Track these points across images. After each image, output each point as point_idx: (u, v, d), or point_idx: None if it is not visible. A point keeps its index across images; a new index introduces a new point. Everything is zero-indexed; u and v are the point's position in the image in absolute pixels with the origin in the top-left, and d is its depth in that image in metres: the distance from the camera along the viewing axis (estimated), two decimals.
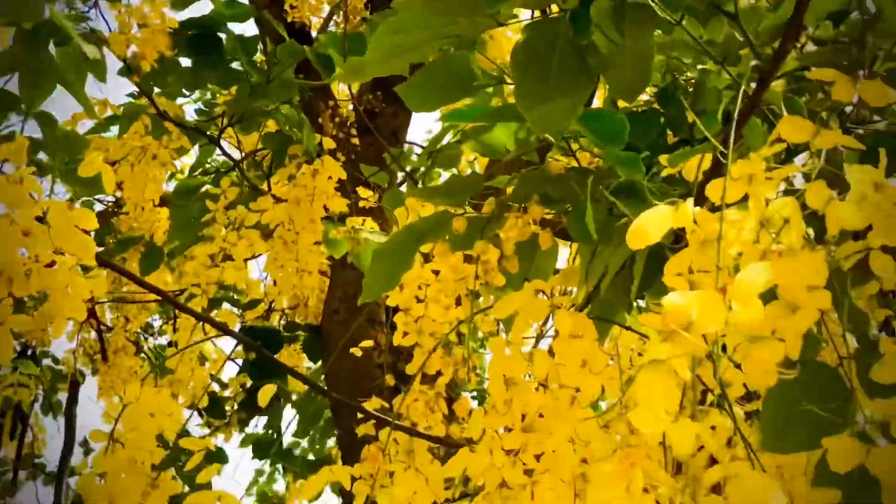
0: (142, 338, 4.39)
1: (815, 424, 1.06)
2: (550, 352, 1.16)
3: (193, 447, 1.50)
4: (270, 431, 3.96)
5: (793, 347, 0.90)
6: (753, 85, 1.27)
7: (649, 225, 0.82)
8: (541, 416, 1.17)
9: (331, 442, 4.26)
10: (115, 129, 2.90)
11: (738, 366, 1.44)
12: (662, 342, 0.79)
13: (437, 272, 1.88)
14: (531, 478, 1.19)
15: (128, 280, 3.74)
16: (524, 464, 1.21)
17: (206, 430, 3.46)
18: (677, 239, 1.19)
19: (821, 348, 1.09)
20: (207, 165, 3.47)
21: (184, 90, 2.86)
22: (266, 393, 1.58)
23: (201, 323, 2.92)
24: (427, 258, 1.89)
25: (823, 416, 1.04)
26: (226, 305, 3.69)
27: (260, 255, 2.49)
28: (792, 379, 1.06)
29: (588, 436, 1.08)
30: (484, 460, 1.20)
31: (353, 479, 1.58)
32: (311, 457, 4.29)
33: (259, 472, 4.75)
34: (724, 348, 0.90)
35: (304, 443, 4.29)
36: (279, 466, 4.48)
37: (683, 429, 0.80)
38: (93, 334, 4.05)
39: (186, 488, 1.54)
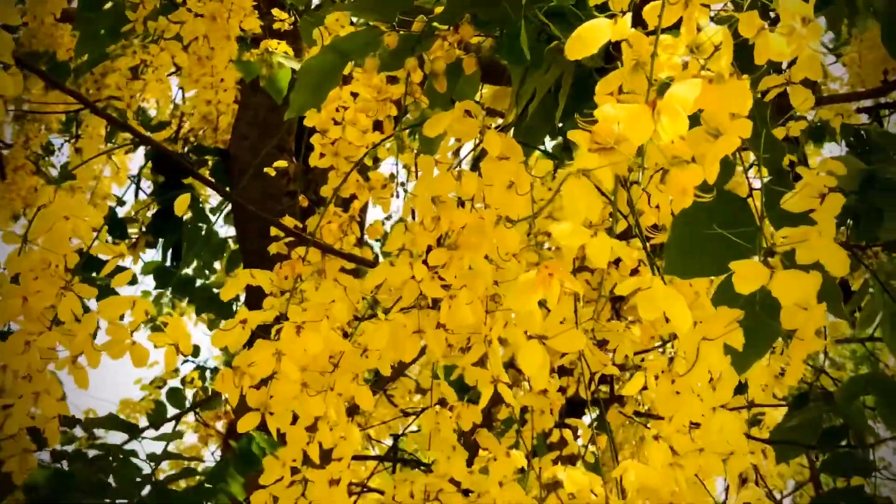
0: (42, 158, 4.28)
1: (718, 251, 1.12)
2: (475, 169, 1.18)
3: (108, 253, 1.50)
4: (174, 263, 3.94)
5: (711, 173, 0.94)
6: None
7: (588, 36, 0.83)
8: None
9: None
10: None
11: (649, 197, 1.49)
12: (589, 153, 0.82)
13: (355, 95, 1.88)
14: (449, 292, 1.23)
15: (28, 97, 3.63)
16: (442, 279, 1.25)
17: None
18: (603, 69, 1.22)
19: (734, 176, 1.13)
20: None
21: None
22: (182, 202, 1.57)
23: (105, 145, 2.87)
24: (346, 80, 1.88)
25: (727, 244, 1.09)
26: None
27: (181, 68, 2.43)
28: (701, 206, 1.11)
29: (510, 248, 1.11)
30: (404, 273, 1.23)
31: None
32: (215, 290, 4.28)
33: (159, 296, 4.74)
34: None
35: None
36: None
37: (602, 243, 0.83)
38: None
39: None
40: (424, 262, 1.26)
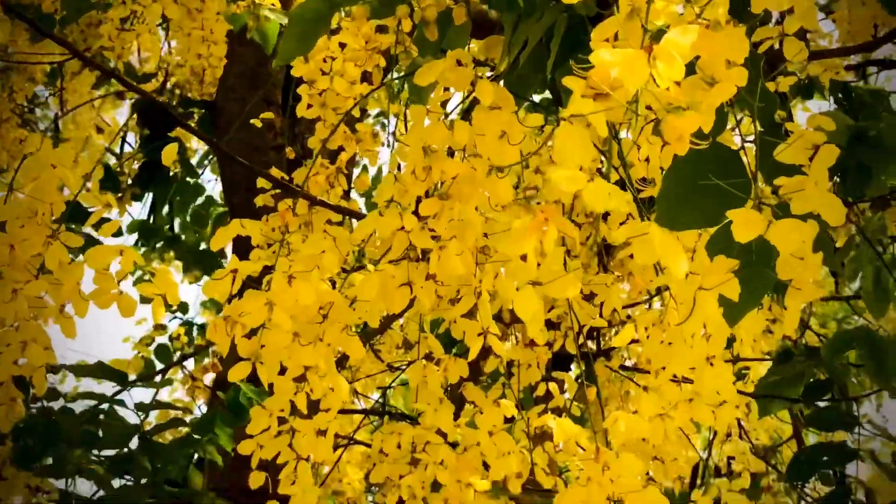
0: (27, 110, 4.24)
1: (711, 203, 1.11)
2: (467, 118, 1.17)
3: (94, 203, 1.48)
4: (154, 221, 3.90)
5: (706, 121, 0.93)
6: None
7: None
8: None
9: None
10: None
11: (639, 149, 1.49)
12: (582, 98, 0.81)
13: (343, 45, 1.86)
14: (438, 243, 1.23)
15: (14, 49, 3.59)
16: (431, 230, 1.24)
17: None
18: (595, 17, 1.21)
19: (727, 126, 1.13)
20: None
21: None
22: (169, 152, 1.56)
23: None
24: (334, 32, 1.86)
25: (719, 196, 1.08)
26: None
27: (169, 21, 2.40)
28: (693, 158, 1.10)
29: (502, 199, 1.10)
30: (393, 224, 1.22)
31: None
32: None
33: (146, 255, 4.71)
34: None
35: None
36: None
37: (599, 187, 0.83)
38: None
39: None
40: (414, 212, 1.26)
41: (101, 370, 2.18)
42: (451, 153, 1.26)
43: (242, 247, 1.59)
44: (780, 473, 3.16)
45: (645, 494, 1.28)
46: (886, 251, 2.45)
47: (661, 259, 0.83)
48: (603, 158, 1.17)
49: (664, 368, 1.39)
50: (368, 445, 3.22)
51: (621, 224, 1.85)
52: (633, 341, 2.45)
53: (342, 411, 3.70)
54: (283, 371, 1.42)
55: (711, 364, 1.25)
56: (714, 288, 0.92)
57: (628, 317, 2.53)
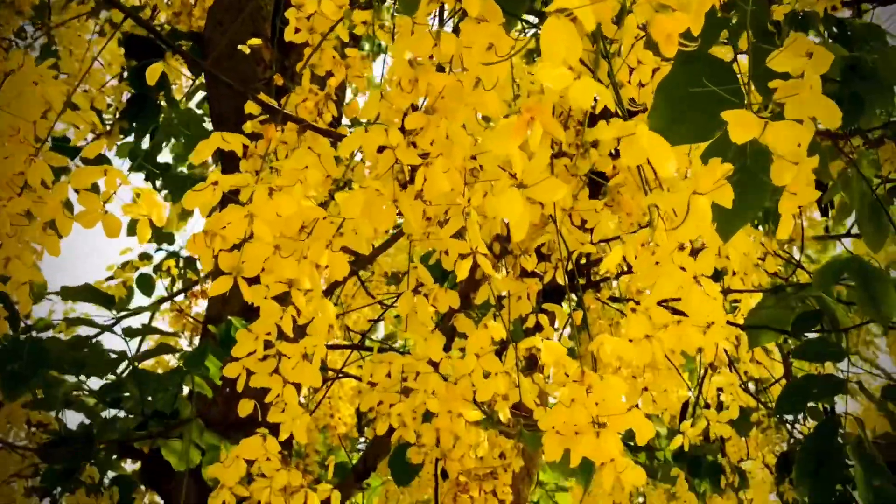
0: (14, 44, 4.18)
1: (704, 115, 1.09)
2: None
3: (79, 122, 1.46)
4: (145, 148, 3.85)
5: (696, 23, 0.91)
6: None
7: None
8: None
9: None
10: None
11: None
12: None
13: None
14: (426, 160, 1.21)
15: None
16: (418, 147, 1.23)
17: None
18: None
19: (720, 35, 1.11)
20: None
21: None
22: (153, 72, 1.53)
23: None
24: None
25: (712, 107, 1.07)
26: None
27: None
28: (685, 69, 1.09)
29: (489, 111, 1.09)
30: (379, 139, 1.20)
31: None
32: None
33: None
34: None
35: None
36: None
37: (585, 85, 0.81)
38: None
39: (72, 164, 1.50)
40: (401, 129, 1.24)
41: (88, 293, 2.16)
42: (440, 69, 1.24)
43: (228, 168, 1.56)
44: (771, 410, 3.17)
45: (628, 417, 1.28)
46: (877, 190, 2.44)
47: (649, 157, 0.81)
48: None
49: (651, 290, 1.39)
50: (359, 379, 3.23)
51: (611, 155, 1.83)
52: (622, 273, 2.45)
53: (330, 346, 3.71)
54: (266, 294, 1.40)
55: (699, 284, 1.24)
56: (708, 193, 0.91)
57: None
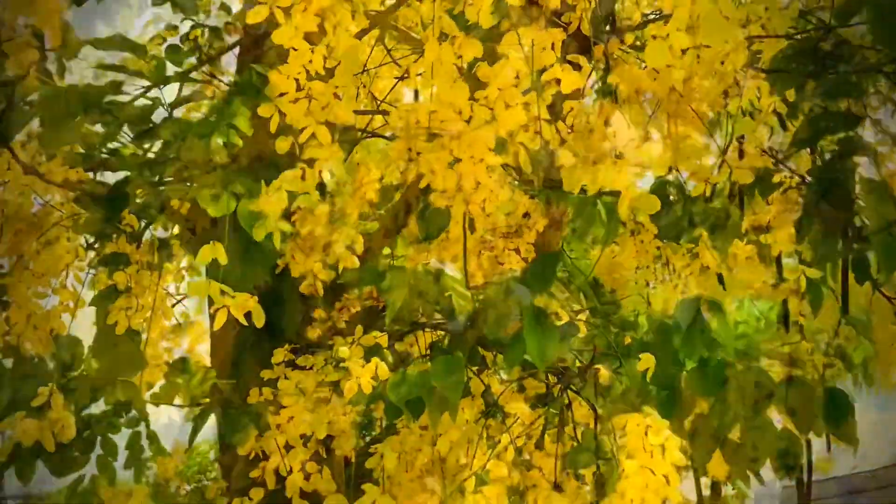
0: None
1: None
2: None
3: None
4: None
5: None
6: None
7: None
8: None
9: None
10: None
11: None
12: None
13: None
14: None
15: None
16: None
17: None
18: None
19: None
20: None
21: None
22: None
23: None
24: None
25: None
26: None
27: None
28: None
29: None
30: None
31: None
32: None
33: None
34: None
35: None
36: None
37: None
38: None
39: None
40: None
41: (122, 42, 2.18)
42: None
43: None
44: (792, 171, 3.19)
45: (642, 149, 1.33)
46: None
47: None
48: None
49: (671, 17, 1.41)
50: (387, 138, 3.28)
51: None
52: (647, 22, 2.44)
53: (359, 112, 3.74)
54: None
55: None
56: None
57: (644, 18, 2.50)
